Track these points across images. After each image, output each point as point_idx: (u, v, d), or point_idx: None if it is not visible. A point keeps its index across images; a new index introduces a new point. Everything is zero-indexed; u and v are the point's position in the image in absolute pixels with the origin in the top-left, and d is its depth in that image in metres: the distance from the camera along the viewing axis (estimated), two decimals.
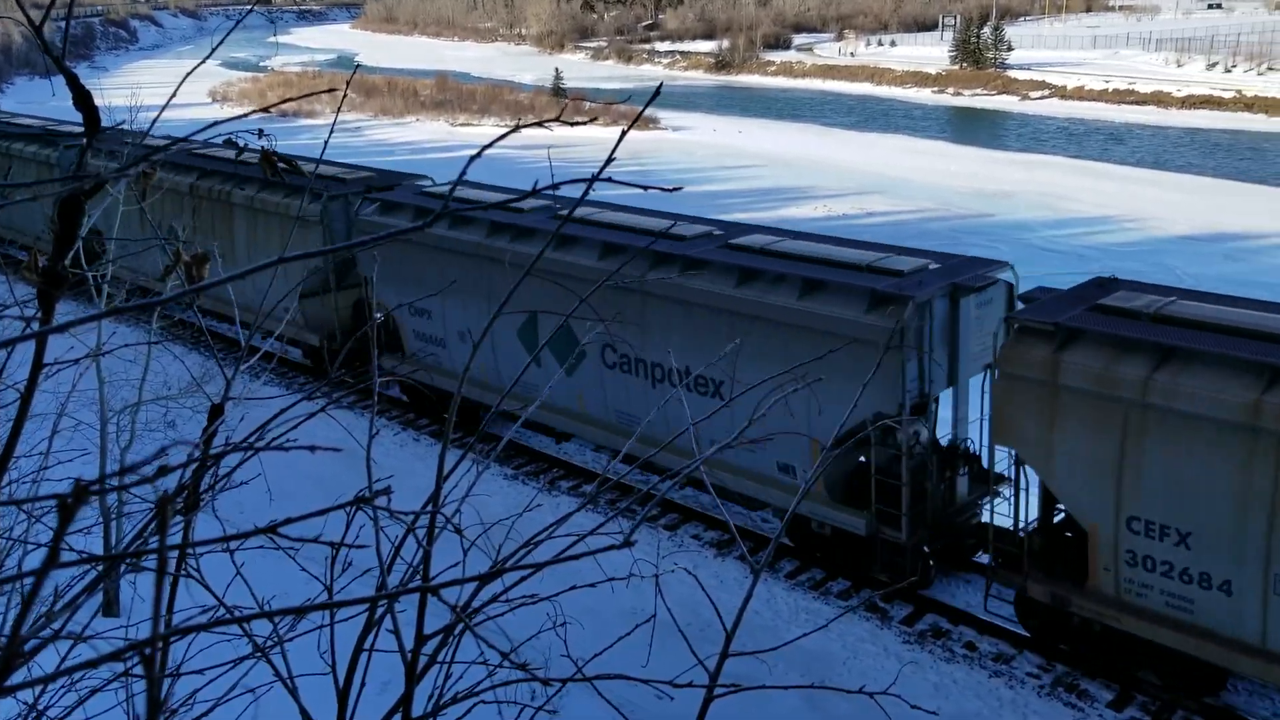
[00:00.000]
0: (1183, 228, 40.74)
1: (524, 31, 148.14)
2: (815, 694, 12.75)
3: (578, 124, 1.66)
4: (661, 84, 2.46)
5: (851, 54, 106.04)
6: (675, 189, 1.98)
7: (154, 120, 2.71)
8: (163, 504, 0.97)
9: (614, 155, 1.72)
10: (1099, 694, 13.83)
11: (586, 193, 1.76)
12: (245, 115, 2.15)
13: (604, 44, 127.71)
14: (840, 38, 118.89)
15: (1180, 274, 32.80)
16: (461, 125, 74.65)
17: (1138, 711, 13.50)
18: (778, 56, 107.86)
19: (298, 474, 14.10)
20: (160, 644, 0.94)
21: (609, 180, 1.73)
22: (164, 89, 3.12)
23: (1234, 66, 78.21)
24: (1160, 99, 73.51)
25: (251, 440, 2.19)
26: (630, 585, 3.58)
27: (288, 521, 1.62)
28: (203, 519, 2.95)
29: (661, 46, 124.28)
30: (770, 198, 47.47)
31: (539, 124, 1.69)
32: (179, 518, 2.54)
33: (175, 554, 2.69)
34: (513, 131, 1.79)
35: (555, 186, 1.66)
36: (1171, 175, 51.67)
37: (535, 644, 3.72)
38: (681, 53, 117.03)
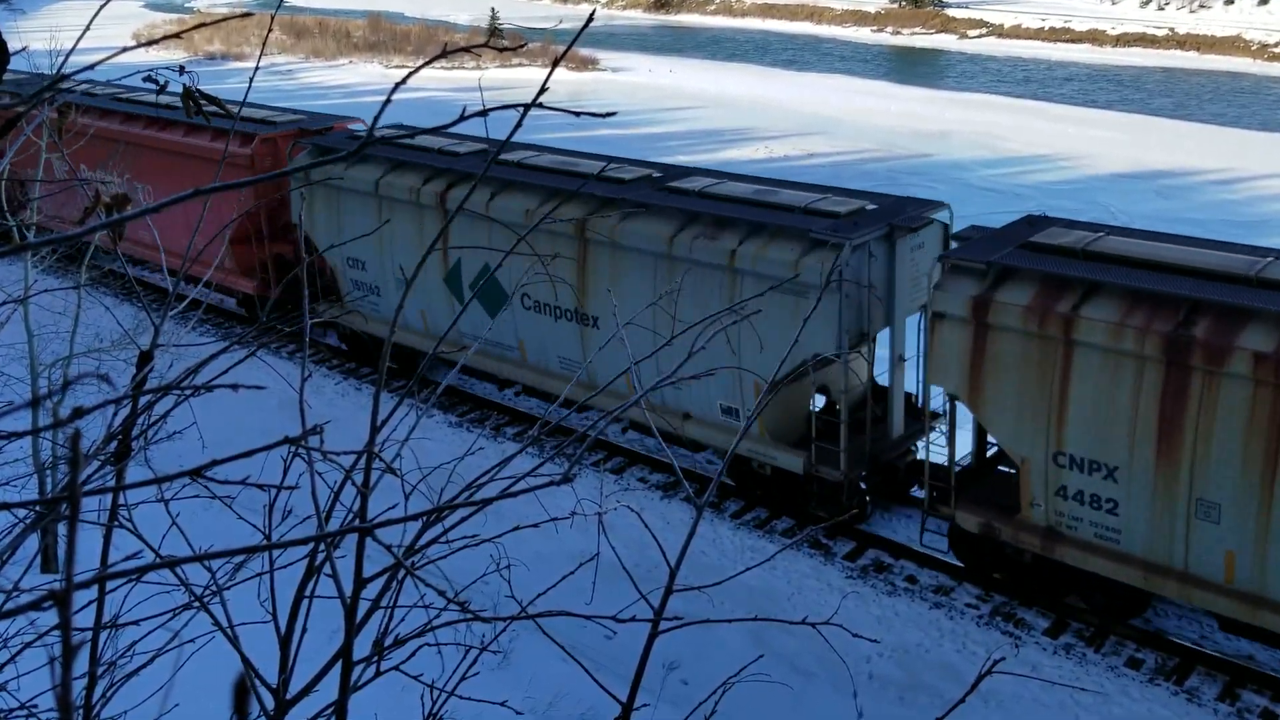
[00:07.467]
0: (1115, 165, 41.35)
1: None
2: (761, 631, 12.97)
3: (506, 49, 1.62)
4: (595, 10, 2.40)
5: None
6: (609, 114, 1.95)
7: (66, 55, 2.59)
8: (74, 439, 0.93)
9: (547, 84, 1.69)
10: (1035, 622, 14.23)
11: (521, 121, 1.73)
12: (126, 49, 2.06)
13: None
14: None
15: (1114, 211, 33.34)
16: (396, 68, 73.19)
17: (1072, 638, 13.92)
18: None
19: (242, 427, 13.90)
20: (73, 588, 0.91)
21: (540, 106, 1.69)
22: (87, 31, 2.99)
23: (1166, 4, 79.02)
24: (1095, 37, 74.16)
25: (180, 384, 2.13)
26: (578, 530, 3.58)
27: (214, 463, 1.57)
28: (139, 472, 2.88)
29: None
30: (712, 139, 47.27)
31: (466, 50, 1.65)
32: (109, 466, 2.48)
33: (108, 506, 2.63)
34: (440, 57, 1.74)
35: (484, 113, 1.63)
36: (1102, 113, 52.28)
37: (482, 588, 3.71)
38: None
